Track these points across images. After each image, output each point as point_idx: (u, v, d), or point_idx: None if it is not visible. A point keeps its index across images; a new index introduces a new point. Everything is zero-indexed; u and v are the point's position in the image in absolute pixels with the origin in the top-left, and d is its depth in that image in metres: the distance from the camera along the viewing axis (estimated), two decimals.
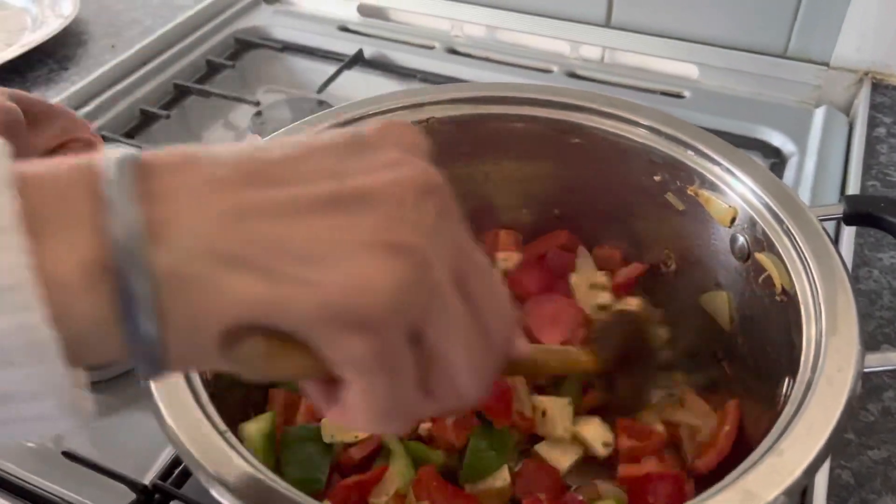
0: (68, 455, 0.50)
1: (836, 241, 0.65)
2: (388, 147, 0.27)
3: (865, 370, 0.36)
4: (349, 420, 0.27)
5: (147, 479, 0.49)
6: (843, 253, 0.63)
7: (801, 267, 0.43)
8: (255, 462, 0.34)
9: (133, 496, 0.48)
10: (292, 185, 0.24)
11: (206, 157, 0.24)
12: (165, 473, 0.50)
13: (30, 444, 0.53)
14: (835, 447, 0.33)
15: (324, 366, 0.25)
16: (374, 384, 0.25)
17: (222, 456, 0.34)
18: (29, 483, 0.50)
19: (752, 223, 0.48)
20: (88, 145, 0.50)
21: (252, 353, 0.24)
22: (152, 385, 0.37)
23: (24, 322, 0.21)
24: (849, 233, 0.65)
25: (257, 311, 0.23)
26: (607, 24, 0.89)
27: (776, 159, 0.77)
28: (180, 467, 0.49)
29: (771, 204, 0.47)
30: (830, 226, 0.54)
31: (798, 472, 0.31)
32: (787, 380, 0.39)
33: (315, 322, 0.23)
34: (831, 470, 0.49)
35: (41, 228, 0.21)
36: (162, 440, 0.37)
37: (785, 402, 0.35)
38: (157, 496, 0.49)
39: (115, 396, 0.57)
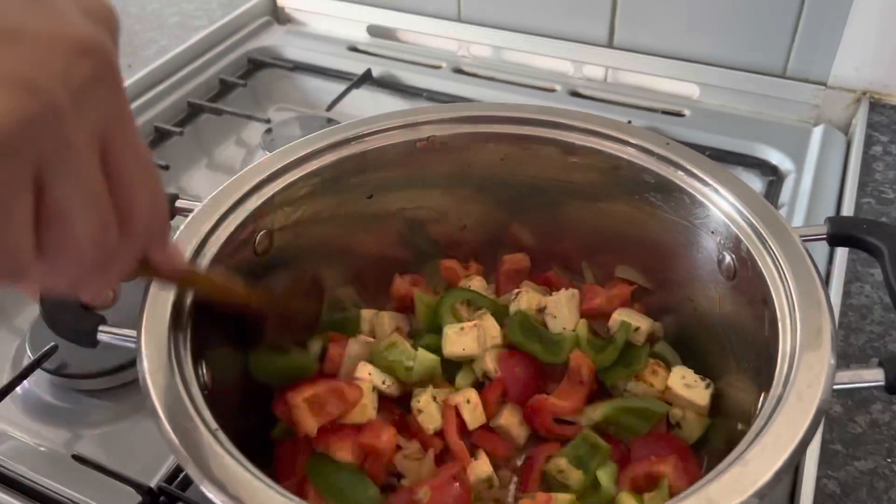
0: (78, 458, 0.53)
1: (829, 258, 0.66)
2: (69, 4, 0.27)
3: (836, 387, 0.38)
4: None
5: (153, 482, 0.51)
6: (836, 269, 0.64)
7: (781, 286, 0.44)
8: (244, 460, 0.36)
9: (139, 498, 0.50)
10: None
11: None
12: (170, 476, 0.52)
13: (41, 448, 0.56)
14: (799, 459, 0.34)
15: None
16: None
17: (211, 453, 0.36)
18: (40, 485, 0.53)
19: (737, 242, 0.49)
20: None
21: None
22: (150, 385, 0.39)
23: None
24: (842, 249, 0.66)
25: None
26: (610, 44, 0.91)
27: (774, 177, 0.78)
28: (185, 471, 0.51)
29: (756, 223, 0.48)
30: (823, 243, 0.55)
31: (761, 482, 0.32)
32: (762, 395, 0.40)
33: None
34: (818, 479, 0.50)
35: None
36: (165, 444, 0.39)
37: (757, 415, 0.37)
38: (162, 498, 0.51)
39: (123, 403, 0.59)
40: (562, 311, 0.56)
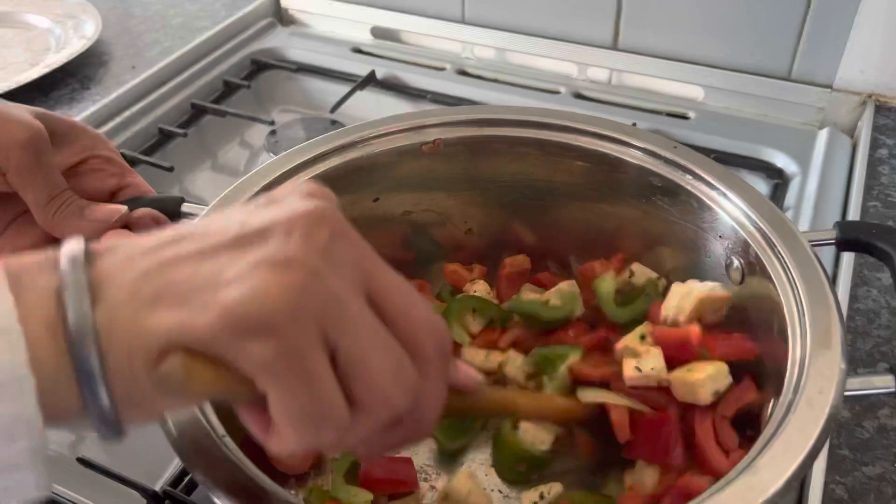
0: (83, 461, 0.52)
1: (836, 261, 0.66)
2: (293, 197, 0.31)
3: (847, 393, 0.37)
4: (282, 440, 0.29)
5: (158, 486, 0.51)
6: (843, 273, 0.64)
7: (790, 291, 0.44)
8: (251, 466, 0.36)
9: (144, 502, 0.50)
10: (206, 238, 0.29)
11: (138, 237, 0.30)
12: (176, 480, 0.52)
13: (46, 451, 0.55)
14: (810, 467, 0.34)
15: (244, 381, 0.28)
16: (288, 387, 0.27)
17: (219, 459, 0.36)
18: None
19: (746, 247, 0.49)
20: (108, 161, 0.52)
21: (172, 370, 0.27)
22: None
23: (10, 360, 0.25)
24: (849, 253, 0.66)
25: (174, 333, 0.27)
26: (614, 46, 0.91)
27: (779, 180, 0.78)
28: (190, 475, 0.51)
29: (764, 228, 0.48)
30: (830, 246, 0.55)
31: (772, 490, 0.32)
32: (771, 401, 0.40)
33: (219, 333, 0.27)
34: (826, 485, 0.50)
35: (17, 292, 0.26)
36: (172, 448, 0.39)
37: (767, 422, 0.37)
38: (167, 502, 0.51)
39: None
40: (564, 297, 0.56)
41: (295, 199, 0.31)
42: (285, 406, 0.28)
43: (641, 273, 0.56)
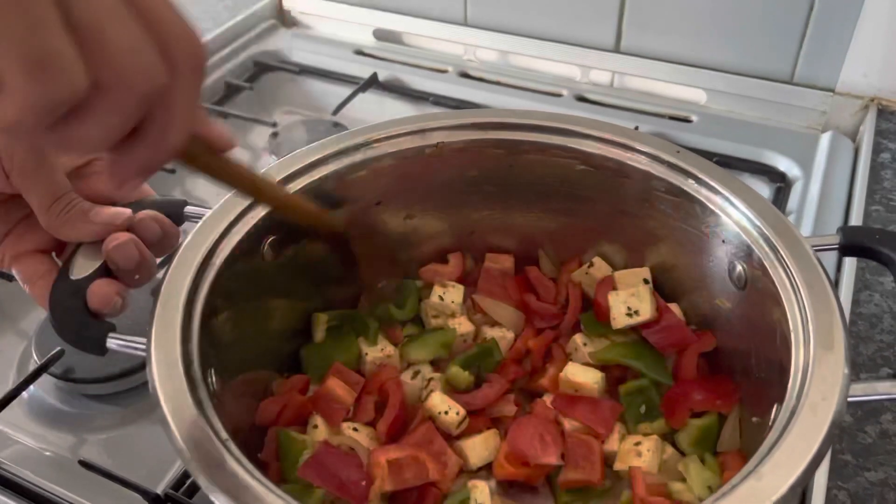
0: (84, 464, 0.52)
1: (838, 266, 0.66)
2: None
3: (850, 399, 0.37)
4: (10, 95, 0.27)
5: (159, 489, 0.51)
6: (845, 277, 0.64)
7: (793, 297, 0.44)
8: (254, 470, 0.36)
9: None
10: None
11: None
12: (177, 483, 0.52)
13: (47, 453, 0.55)
14: (813, 473, 0.34)
15: None
16: (5, 24, 0.25)
17: (222, 463, 0.36)
18: (46, 490, 0.52)
19: (749, 252, 0.49)
20: None
21: None
22: (160, 394, 0.39)
23: None
24: (851, 257, 0.66)
25: None
26: (617, 49, 0.91)
27: (781, 183, 0.78)
28: (191, 478, 0.51)
29: (768, 233, 0.48)
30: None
31: (775, 496, 0.32)
32: (775, 406, 0.40)
33: None
34: (828, 490, 0.50)
35: None
36: (174, 451, 0.39)
37: (770, 428, 0.37)
38: None
39: (130, 408, 0.59)
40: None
41: None
42: (6, 46, 0.26)
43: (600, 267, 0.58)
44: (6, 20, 0.26)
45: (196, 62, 0.31)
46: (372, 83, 0.93)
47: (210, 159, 0.38)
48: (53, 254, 0.46)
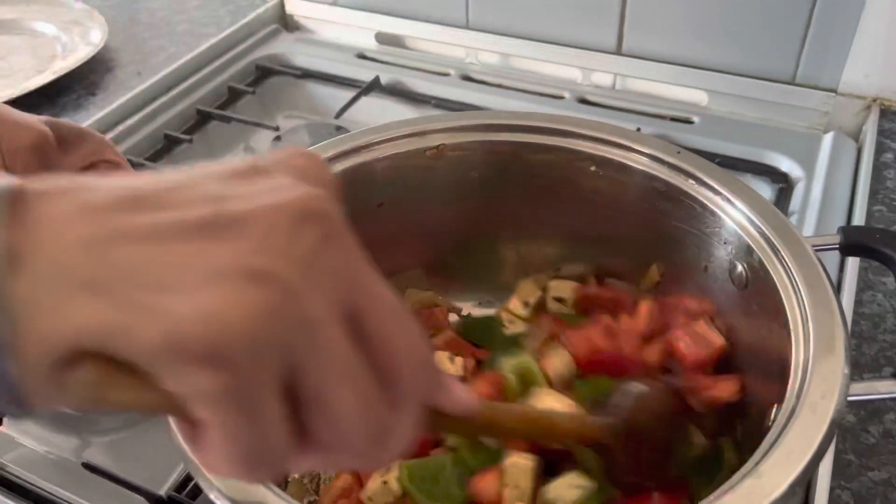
0: (88, 466, 0.53)
1: (841, 266, 0.66)
2: (280, 173, 0.26)
3: (851, 398, 0.37)
4: (213, 463, 0.25)
5: (163, 491, 0.51)
6: (848, 277, 0.64)
7: (793, 296, 0.44)
8: None
9: None
10: (167, 210, 0.23)
11: (85, 186, 0.23)
12: (181, 485, 0.52)
13: (50, 456, 0.56)
14: (813, 471, 0.34)
15: (173, 401, 0.23)
16: (232, 425, 0.23)
17: None
18: (49, 493, 0.53)
19: (749, 252, 0.49)
20: (115, 166, 0.53)
21: (82, 380, 0.22)
22: None
23: None
24: (854, 257, 0.66)
25: (97, 336, 0.22)
26: (618, 51, 0.91)
27: (784, 184, 0.78)
28: (195, 480, 0.51)
29: (768, 233, 0.48)
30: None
31: (775, 495, 0.32)
32: (774, 406, 0.40)
33: (158, 353, 0.22)
34: (831, 490, 0.50)
35: None
36: (177, 453, 0.39)
37: (770, 427, 0.37)
38: None
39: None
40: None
41: (285, 176, 0.25)
42: (223, 441, 0.23)
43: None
44: (228, 417, 0.23)
45: (424, 387, 0.27)
46: (374, 87, 0.93)
47: (456, 425, 0.33)
48: None
